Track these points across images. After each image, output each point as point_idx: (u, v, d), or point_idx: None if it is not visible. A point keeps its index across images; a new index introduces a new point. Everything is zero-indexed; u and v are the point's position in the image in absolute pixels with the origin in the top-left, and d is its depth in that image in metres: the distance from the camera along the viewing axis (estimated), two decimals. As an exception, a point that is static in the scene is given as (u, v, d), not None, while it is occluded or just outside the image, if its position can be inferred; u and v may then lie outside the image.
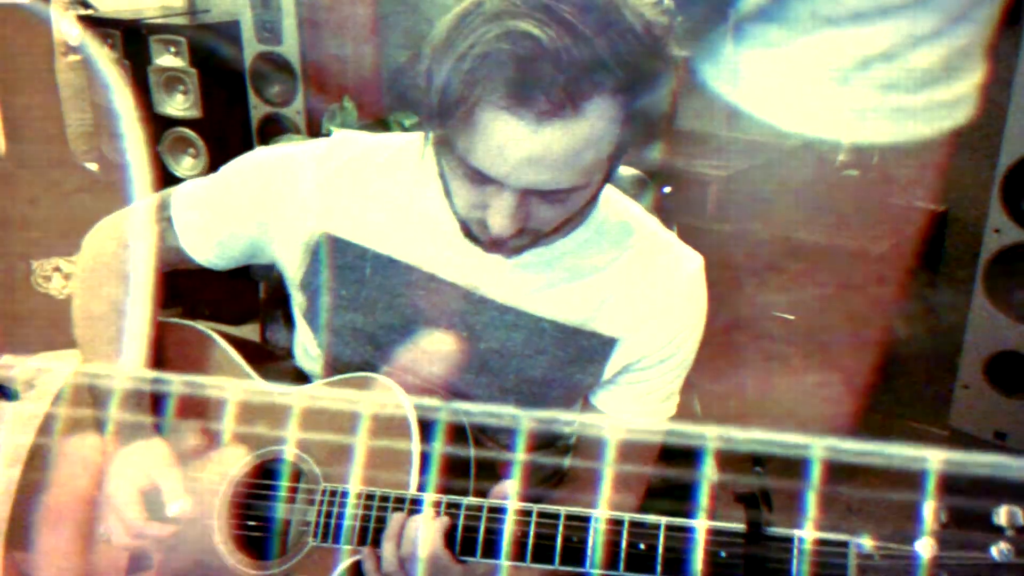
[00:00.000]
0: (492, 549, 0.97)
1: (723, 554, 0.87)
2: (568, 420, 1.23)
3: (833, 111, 2.41)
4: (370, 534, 1.03)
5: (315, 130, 2.92)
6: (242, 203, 1.19)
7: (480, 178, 0.95)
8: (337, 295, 1.16)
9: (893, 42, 2.26)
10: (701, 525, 0.89)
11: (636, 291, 1.14)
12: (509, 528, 0.96)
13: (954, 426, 2.31)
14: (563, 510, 0.95)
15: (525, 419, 1.17)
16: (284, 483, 1.12)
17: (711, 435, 1.01)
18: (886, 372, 2.50)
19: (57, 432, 1.24)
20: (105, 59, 3.01)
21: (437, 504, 1.00)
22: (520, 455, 1.21)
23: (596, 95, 0.89)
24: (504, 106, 0.88)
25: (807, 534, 0.83)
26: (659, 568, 0.90)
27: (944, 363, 2.37)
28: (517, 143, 0.90)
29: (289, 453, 1.12)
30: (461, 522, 0.99)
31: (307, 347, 1.25)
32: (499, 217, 0.97)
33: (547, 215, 1.00)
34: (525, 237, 1.02)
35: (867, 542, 0.77)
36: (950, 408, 2.31)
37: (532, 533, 0.96)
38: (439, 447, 1.07)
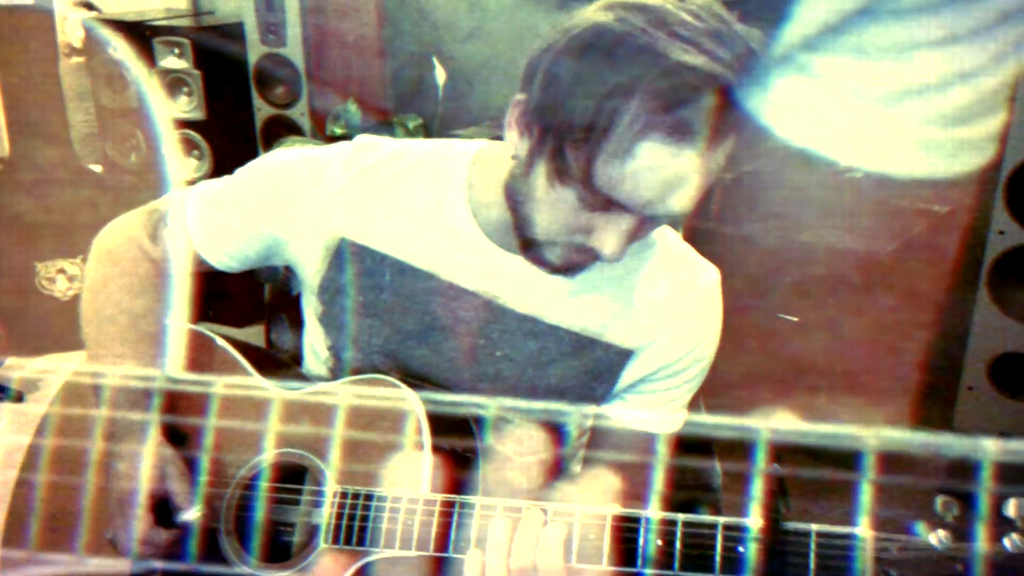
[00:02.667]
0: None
1: (741, 549, 0.87)
2: (579, 422, 1.23)
3: (868, 142, 2.40)
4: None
5: (319, 132, 2.92)
6: (261, 204, 1.18)
7: (603, 205, 0.95)
8: (354, 300, 1.16)
9: (933, 77, 2.25)
10: (719, 520, 0.89)
11: (653, 303, 1.14)
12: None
13: (958, 428, 2.31)
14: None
15: (533, 417, 1.17)
16: (292, 485, 1.12)
17: (762, 427, 1.00)
18: (890, 374, 2.50)
19: (58, 432, 1.23)
20: (134, 60, 3.01)
21: (544, 511, 0.97)
22: (528, 454, 1.22)
23: (737, 118, 0.91)
24: (668, 139, 0.89)
25: (824, 528, 0.84)
26: (677, 564, 0.90)
27: (948, 365, 2.37)
28: (675, 172, 0.91)
29: (297, 455, 1.12)
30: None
31: (316, 351, 1.25)
32: (614, 241, 0.97)
33: (644, 235, 1.02)
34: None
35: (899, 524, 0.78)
36: (954, 410, 2.31)
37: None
38: (449, 446, 1.07)
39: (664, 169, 0.90)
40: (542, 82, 0.95)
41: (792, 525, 0.85)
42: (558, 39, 0.94)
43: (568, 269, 1.06)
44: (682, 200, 0.94)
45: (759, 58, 0.91)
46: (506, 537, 0.96)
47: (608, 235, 0.97)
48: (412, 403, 1.07)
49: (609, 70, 0.89)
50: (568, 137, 0.92)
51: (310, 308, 1.23)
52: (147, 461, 1.12)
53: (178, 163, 3.07)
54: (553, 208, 0.99)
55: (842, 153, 2.38)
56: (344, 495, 1.06)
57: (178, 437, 1.17)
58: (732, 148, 0.94)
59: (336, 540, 1.05)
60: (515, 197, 1.04)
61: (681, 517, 0.91)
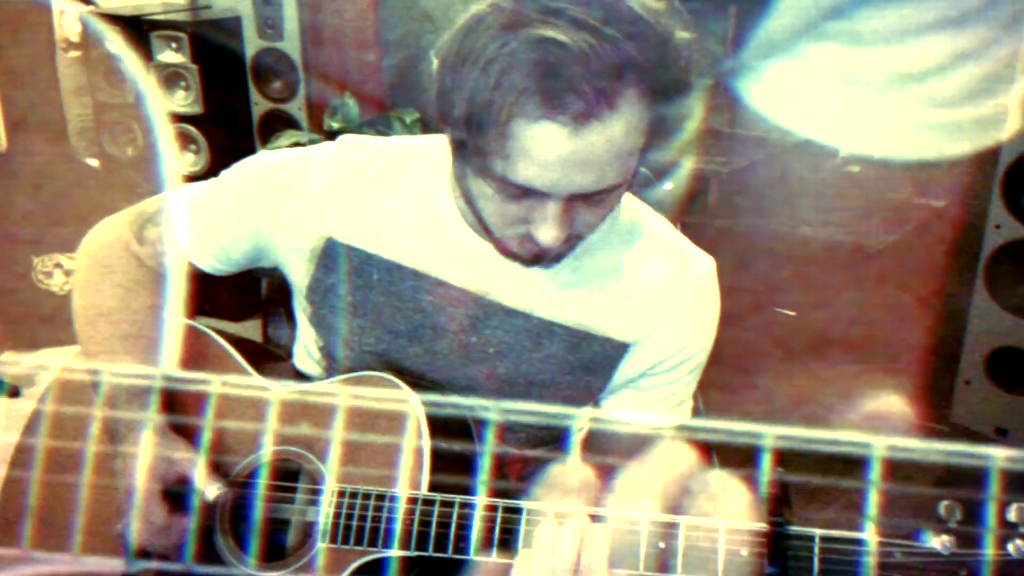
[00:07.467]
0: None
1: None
2: (577, 417, 1.22)
3: (862, 128, 2.39)
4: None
5: (316, 126, 2.92)
6: (245, 207, 1.17)
7: (521, 193, 0.94)
8: (343, 301, 1.15)
9: (934, 60, 2.23)
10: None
11: (647, 295, 1.13)
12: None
13: (955, 422, 2.31)
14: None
15: (532, 414, 1.17)
16: (288, 483, 1.12)
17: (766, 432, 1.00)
18: (887, 367, 2.50)
19: (52, 430, 1.23)
20: (131, 54, 3.00)
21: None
22: (523, 450, 1.21)
23: (625, 88, 0.89)
24: (540, 115, 0.88)
25: (828, 533, 0.83)
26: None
27: (945, 359, 2.38)
28: (559, 150, 0.89)
29: (294, 453, 1.11)
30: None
31: (309, 350, 1.25)
32: (547, 229, 0.96)
33: (589, 218, 1.00)
34: (566, 244, 1.01)
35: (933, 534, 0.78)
36: (951, 404, 2.31)
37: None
38: (448, 444, 1.06)
39: (549, 148, 0.89)
40: (436, 81, 0.95)
41: (796, 529, 0.85)
42: (447, 37, 0.93)
43: (537, 260, 1.04)
44: (589, 177, 0.92)
45: (657, 31, 0.89)
46: (550, 538, 0.93)
47: (540, 223, 0.97)
48: (411, 402, 1.06)
49: (478, 56, 0.88)
50: (462, 130, 0.92)
51: (301, 308, 1.23)
52: (159, 452, 1.11)
53: (175, 157, 3.06)
54: (487, 202, 0.99)
55: (836, 139, 2.37)
56: (342, 494, 1.05)
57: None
58: (641, 119, 0.92)
59: (334, 539, 1.04)
60: (464, 193, 1.03)
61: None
